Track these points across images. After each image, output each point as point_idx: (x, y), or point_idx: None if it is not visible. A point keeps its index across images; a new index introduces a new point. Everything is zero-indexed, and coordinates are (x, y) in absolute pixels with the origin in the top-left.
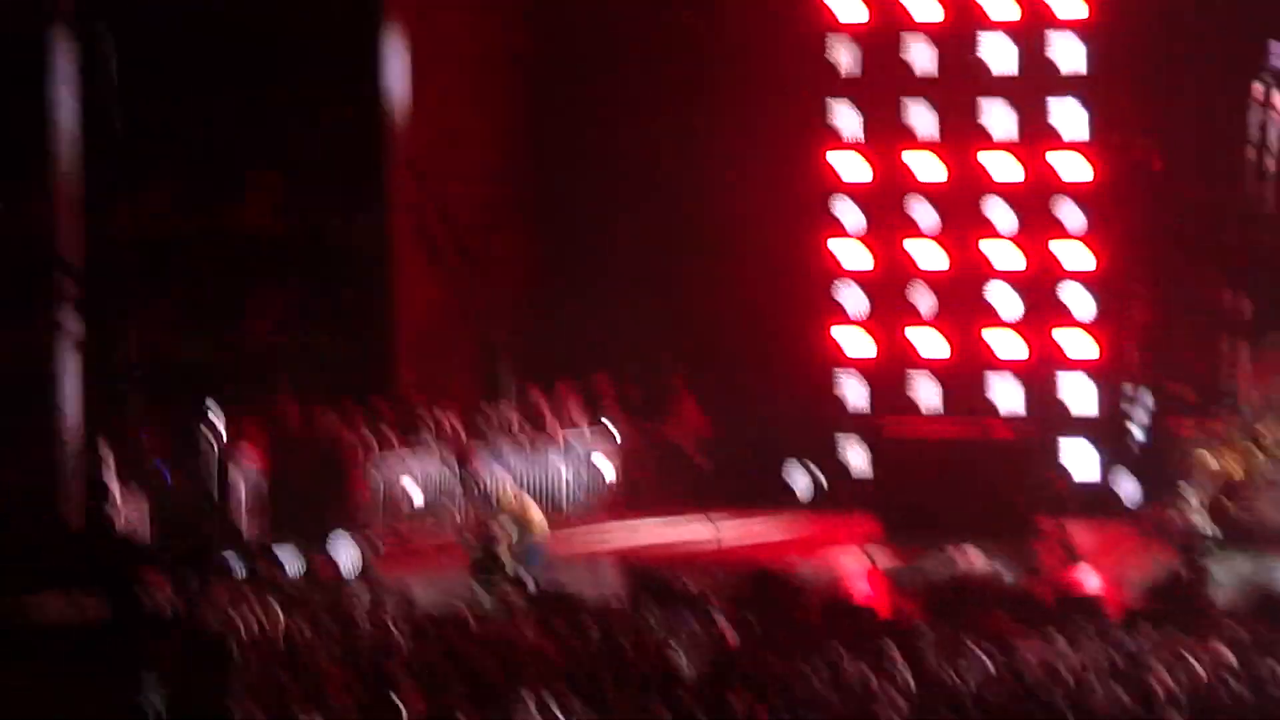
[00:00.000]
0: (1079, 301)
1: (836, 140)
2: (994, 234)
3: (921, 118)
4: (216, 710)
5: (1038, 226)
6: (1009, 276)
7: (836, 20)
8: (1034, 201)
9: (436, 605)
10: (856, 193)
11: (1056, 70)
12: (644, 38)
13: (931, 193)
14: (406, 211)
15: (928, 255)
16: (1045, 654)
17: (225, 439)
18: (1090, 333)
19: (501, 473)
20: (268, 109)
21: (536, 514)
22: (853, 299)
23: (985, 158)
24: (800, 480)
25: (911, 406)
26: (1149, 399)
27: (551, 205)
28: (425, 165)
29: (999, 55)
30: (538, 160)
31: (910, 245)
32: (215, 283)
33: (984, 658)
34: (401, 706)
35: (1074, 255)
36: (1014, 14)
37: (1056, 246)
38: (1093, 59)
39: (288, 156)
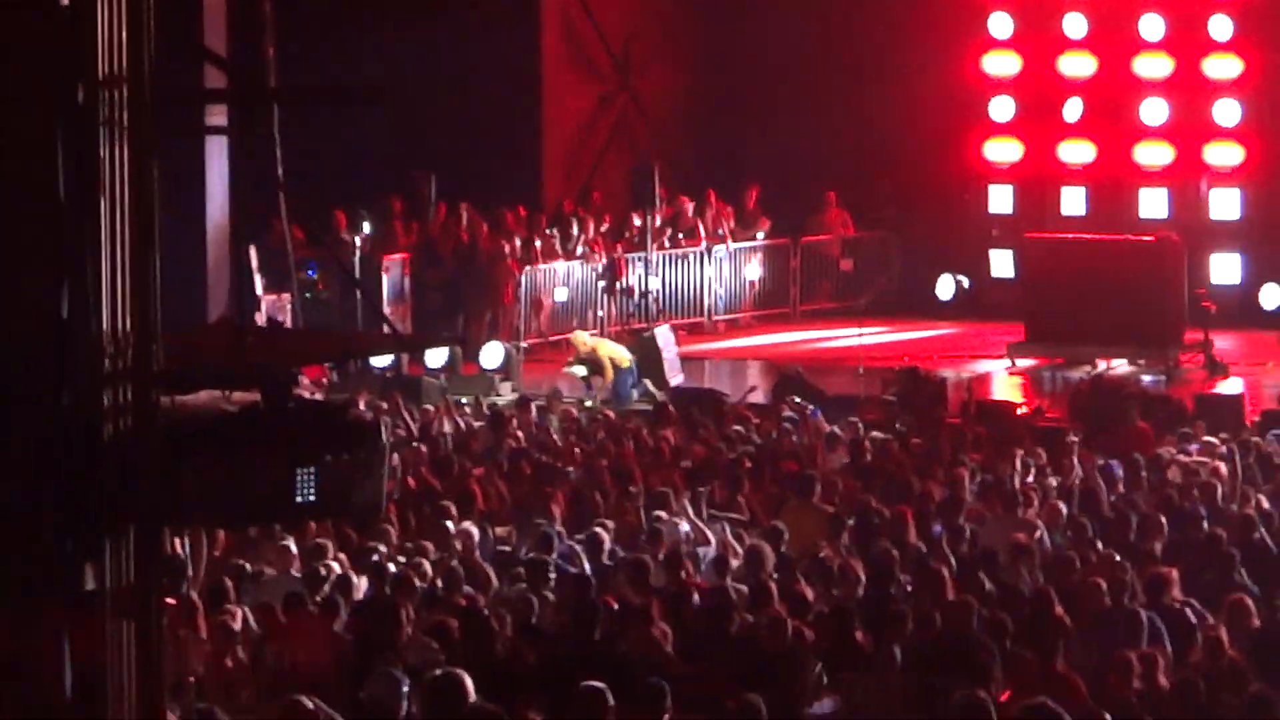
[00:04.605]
0: (1225, 110)
1: None
2: (1144, 45)
3: None
4: (369, 499)
5: (1187, 36)
6: (1156, 86)
7: None
8: (1184, 11)
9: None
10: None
11: None
12: None
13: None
14: (558, 22)
15: (1077, 67)
16: (1183, 460)
17: (374, 241)
18: (1236, 140)
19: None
20: None
21: (613, 351)
22: (1002, 110)
23: None
24: (946, 287)
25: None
26: None
27: (705, 22)
28: None
29: None
30: None
31: (1061, 60)
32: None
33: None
34: (556, 513)
35: (1221, 65)
36: None
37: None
38: None
39: None
